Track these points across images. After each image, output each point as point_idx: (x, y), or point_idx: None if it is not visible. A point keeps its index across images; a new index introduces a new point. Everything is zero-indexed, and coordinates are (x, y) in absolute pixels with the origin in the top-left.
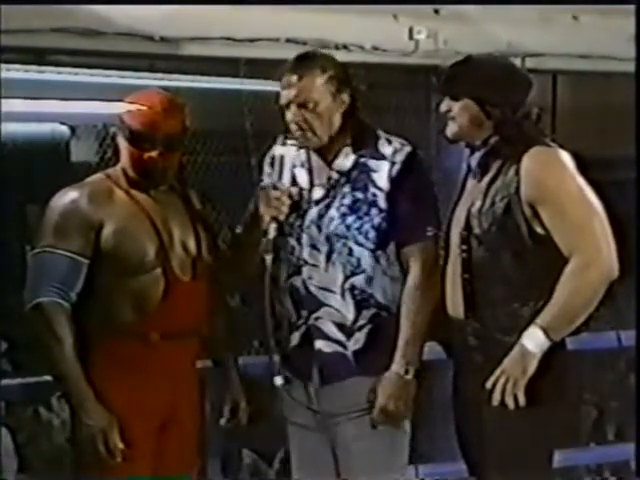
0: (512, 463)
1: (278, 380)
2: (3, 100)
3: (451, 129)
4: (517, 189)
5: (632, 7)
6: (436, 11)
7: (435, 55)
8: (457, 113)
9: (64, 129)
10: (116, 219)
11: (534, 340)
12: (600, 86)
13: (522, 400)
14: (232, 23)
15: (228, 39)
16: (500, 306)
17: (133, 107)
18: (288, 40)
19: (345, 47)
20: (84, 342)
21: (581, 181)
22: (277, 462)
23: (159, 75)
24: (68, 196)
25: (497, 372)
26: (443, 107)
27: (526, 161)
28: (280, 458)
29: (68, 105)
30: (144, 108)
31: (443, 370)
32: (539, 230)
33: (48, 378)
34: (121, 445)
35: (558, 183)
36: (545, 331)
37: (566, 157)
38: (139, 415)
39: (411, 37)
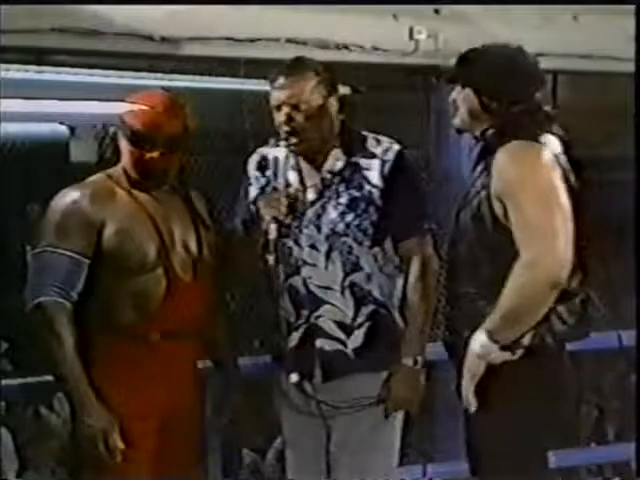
0: (510, 463)
1: (294, 377)
2: (3, 100)
3: (456, 119)
4: (489, 183)
5: (632, 7)
6: (436, 11)
7: (435, 55)
8: (459, 102)
9: (64, 129)
10: (117, 219)
11: (478, 342)
12: (600, 86)
13: (473, 403)
14: (232, 23)
15: (228, 39)
16: (470, 302)
17: (134, 107)
18: (288, 40)
19: (345, 47)
20: (85, 342)
21: (552, 179)
22: (271, 456)
23: (159, 75)
24: (69, 196)
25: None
26: (452, 95)
27: (498, 155)
28: (275, 452)
29: (68, 105)
30: (145, 108)
31: (444, 370)
32: (508, 226)
33: (48, 378)
34: (122, 445)
35: (521, 178)
36: (489, 333)
37: (544, 154)
38: (139, 415)
39: (411, 37)
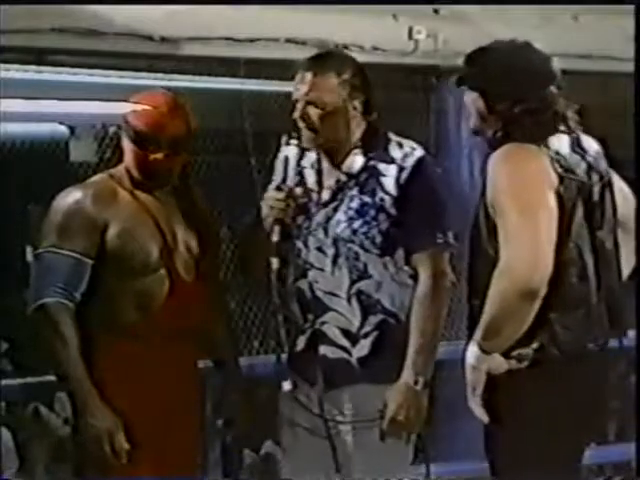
0: (534, 464)
1: (286, 385)
2: (3, 100)
3: (470, 122)
4: (484, 190)
5: (632, 7)
6: (436, 11)
7: (435, 55)
8: (469, 106)
9: (63, 129)
10: (120, 219)
11: (471, 353)
12: (600, 86)
13: (482, 414)
14: (232, 23)
15: (228, 39)
16: (477, 316)
17: (138, 108)
18: (288, 40)
19: (345, 47)
20: (87, 342)
21: (539, 183)
22: (264, 450)
23: (159, 75)
24: (72, 196)
25: None
26: (464, 98)
27: (489, 160)
28: (267, 448)
29: (67, 105)
30: (149, 109)
31: (445, 370)
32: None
33: (48, 378)
34: (127, 446)
35: (505, 182)
36: (478, 343)
37: (535, 156)
38: (141, 415)
39: (411, 37)
